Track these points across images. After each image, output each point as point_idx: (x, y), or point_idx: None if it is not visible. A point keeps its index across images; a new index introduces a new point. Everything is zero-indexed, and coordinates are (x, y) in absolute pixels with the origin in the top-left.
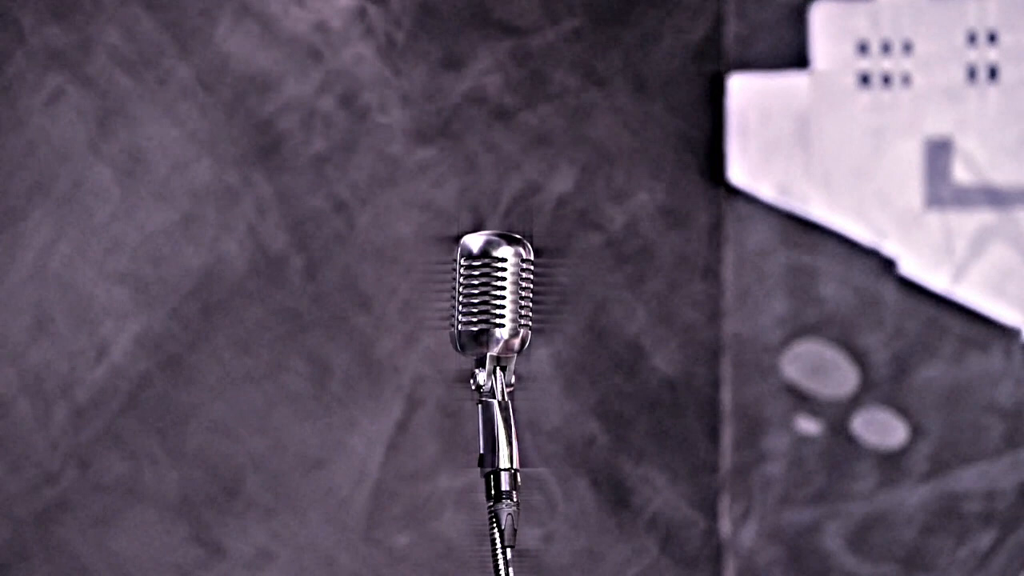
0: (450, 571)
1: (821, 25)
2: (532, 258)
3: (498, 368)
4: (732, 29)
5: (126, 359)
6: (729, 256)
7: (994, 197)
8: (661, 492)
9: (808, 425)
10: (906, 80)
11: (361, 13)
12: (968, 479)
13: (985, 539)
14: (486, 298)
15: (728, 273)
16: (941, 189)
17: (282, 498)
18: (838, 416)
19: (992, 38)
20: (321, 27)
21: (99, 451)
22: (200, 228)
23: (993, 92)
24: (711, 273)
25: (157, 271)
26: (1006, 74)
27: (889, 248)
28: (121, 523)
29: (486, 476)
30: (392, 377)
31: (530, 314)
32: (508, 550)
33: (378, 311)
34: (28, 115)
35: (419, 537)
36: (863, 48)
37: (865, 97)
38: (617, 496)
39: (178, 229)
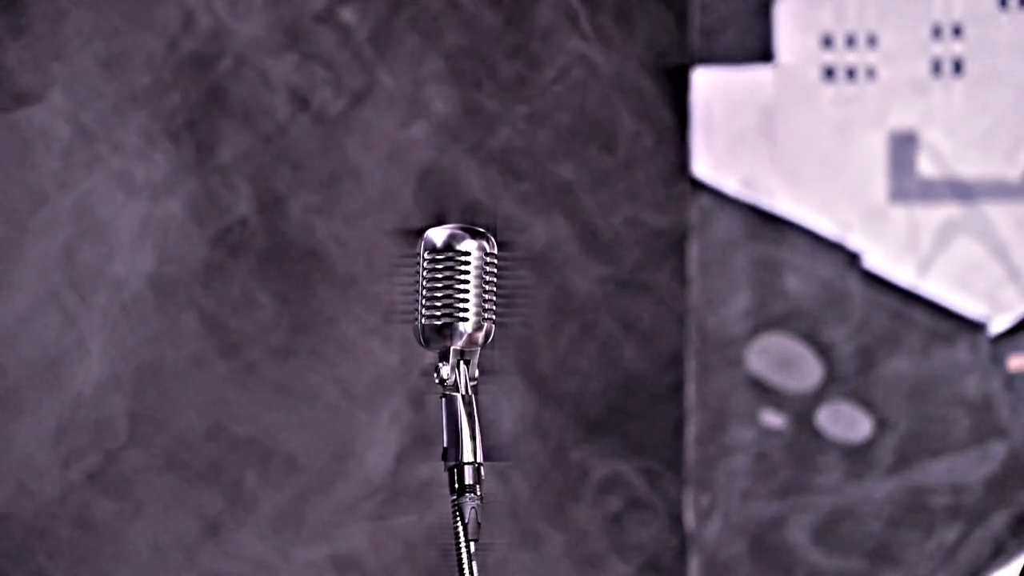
0: (415, 563)
1: (786, 19)
2: (496, 251)
3: (462, 362)
4: (697, 22)
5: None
6: (694, 249)
7: (959, 190)
8: (626, 486)
9: (773, 418)
10: (871, 73)
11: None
12: (934, 472)
13: (952, 532)
14: (449, 292)
15: (693, 267)
16: (906, 182)
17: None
18: (803, 409)
19: (957, 31)
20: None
21: None
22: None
23: (958, 86)
24: (676, 267)
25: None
26: (971, 67)
27: (854, 241)
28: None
29: (450, 470)
30: (358, 371)
31: (494, 308)
32: (472, 543)
33: (343, 303)
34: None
35: (383, 530)
36: (828, 41)
37: (830, 90)
38: (581, 490)
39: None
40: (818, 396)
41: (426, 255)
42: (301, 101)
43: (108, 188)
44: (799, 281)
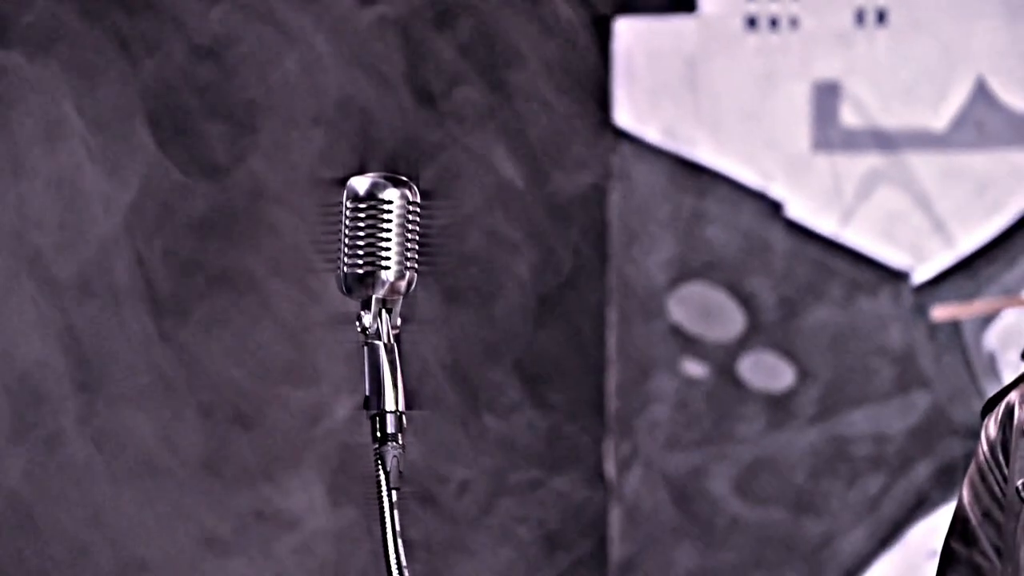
0: (337, 511)
1: None
2: (418, 200)
3: (384, 310)
4: None
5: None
6: (616, 199)
7: (882, 141)
8: (546, 436)
9: (695, 368)
10: (794, 23)
11: None
12: (857, 423)
13: (874, 483)
14: (372, 240)
15: (614, 216)
16: (829, 132)
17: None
18: (725, 359)
19: None
20: None
21: None
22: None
23: (882, 36)
24: (597, 216)
25: None
26: (894, 18)
27: (776, 191)
28: None
29: (372, 418)
30: (278, 320)
31: (416, 256)
32: (394, 492)
33: (266, 252)
34: None
35: (304, 479)
36: None
37: (753, 40)
38: (502, 440)
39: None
40: (740, 346)
41: (348, 203)
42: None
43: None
44: (721, 231)
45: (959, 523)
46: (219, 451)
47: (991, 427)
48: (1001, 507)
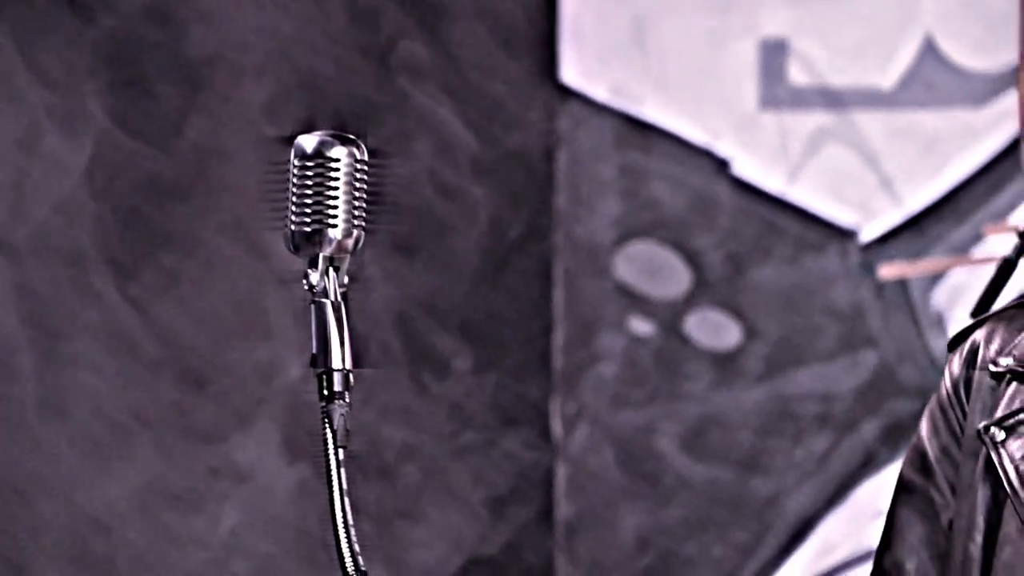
0: (292, 467)
1: None
2: (366, 159)
3: (331, 268)
4: None
5: None
6: (562, 157)
7: (830, 99)
8: (492, 394)
9: (641, 326)
10: None
11: None
12: (804, 381)
13: (821, 442)
14: (319, 198)
15: (561, 174)
16: (777, 90)
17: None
18: (671, 317)
19: None
20: None
21: None
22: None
23: None
24: (544, 174)
25: None
26: None
27: (723, 149)
28: None
29: (319, 376)
30: (228, 279)
31: (364, 215)
32: (341, 450)
33: (216, 211)
34: None
35: (259, 436)
36: None
37: None
38: (448, 399)
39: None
40: (686, 304)
41: (296, 162)
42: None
43: None
44: (668, 188)
45: (916, 454)
46: (173, 409)
47: (955, 364)
48: (959, 444)
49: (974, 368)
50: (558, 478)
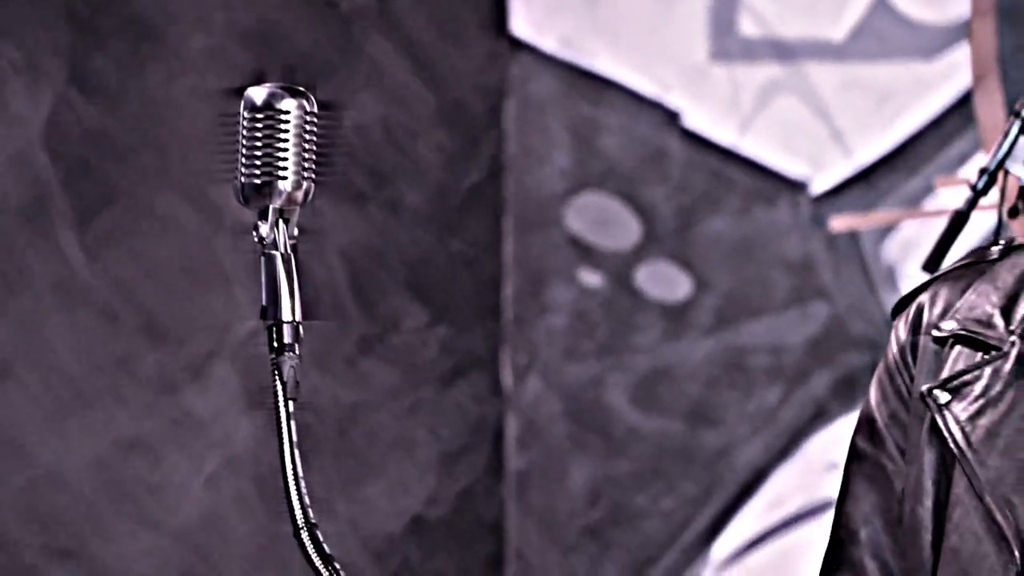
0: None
1: None
2: (316, 110)
3: (281, 220)
4: None
5: None
6: (512, 109)
7: (781, 50)
8: (442, 346)
9: (591, 278)
10: None
11: None
12: (755, 333)
13: (772, 394)
14: (269, 151)
15: (511, 126)
16: (727, 42)
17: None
18: (621, 269)
19: None
20: None
21: None
22: None
23: None
24: (494, 126)
25: None
26: None
27: (674, 101)
28: None
29: (268, 328)
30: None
31: (313, 166)
32: (291, 402)
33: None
34: None
35: (216, 387)
36: None
37: None
38: (398, 351)
39: None
40: (636, 255)
41: (246, 114)
42: None
43: None
44: (618, 140)
45: (865, 422)
46: (128, 361)
47: (901, 328)
48: (908, 410)
49: (919, 333)
50: (508, 430)
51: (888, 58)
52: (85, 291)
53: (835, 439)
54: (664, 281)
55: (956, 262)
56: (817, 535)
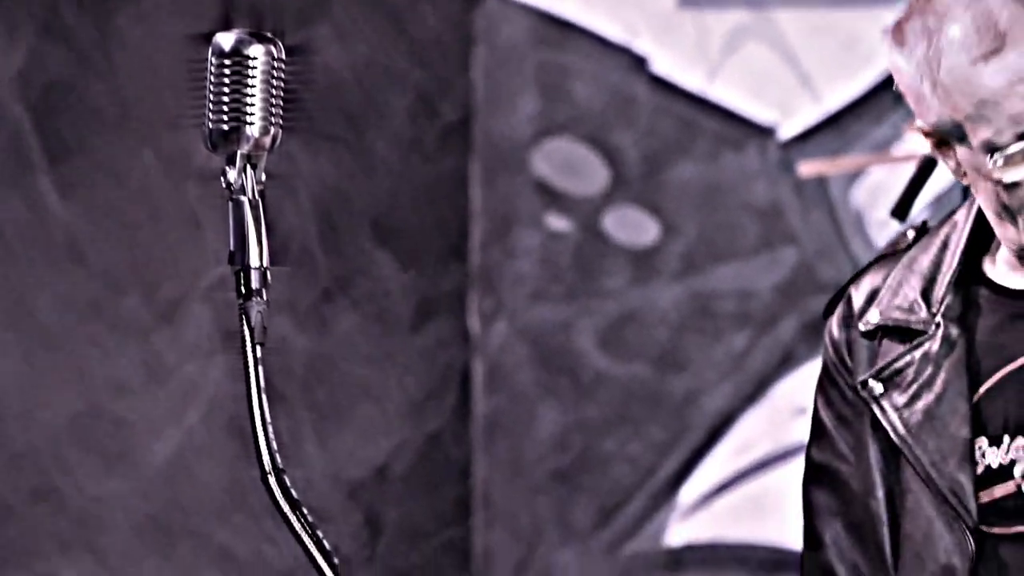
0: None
1: None
2: (283, 57)
3: (248, 166)
4: None
5: None
6: (480, 55)
7: None
8: (410, 290)
9: (559, 223)
10: None
11: None
12: (722, 278)
13: (740, 339)
14: (237, 96)
15: (479, 71)
16: None
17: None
18: (589, 214)
19: None
20: None
21: None
22: None
23: None
24: (462, 72)
25: None
26: None
27: (641, 46)
28: None
29: (236, 274)
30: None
31: (281, 112)
32: (258, 347)
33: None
34: None
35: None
36: None
37: None
38: (366, 295)
39: None
40: (605, 201)
41: (214, 60)
42: None
43: None
44: (585, 86)
45: (816, 430)
46: (99, 305)
47: (834, 327)
48: (853, 409)
49: (851, 328)
50: (475, 375)
51: (856, 4)
52: (58, 236)
53: (803, 384)
54: (632, 226)
55: (874, 258)
56: (784, 480)
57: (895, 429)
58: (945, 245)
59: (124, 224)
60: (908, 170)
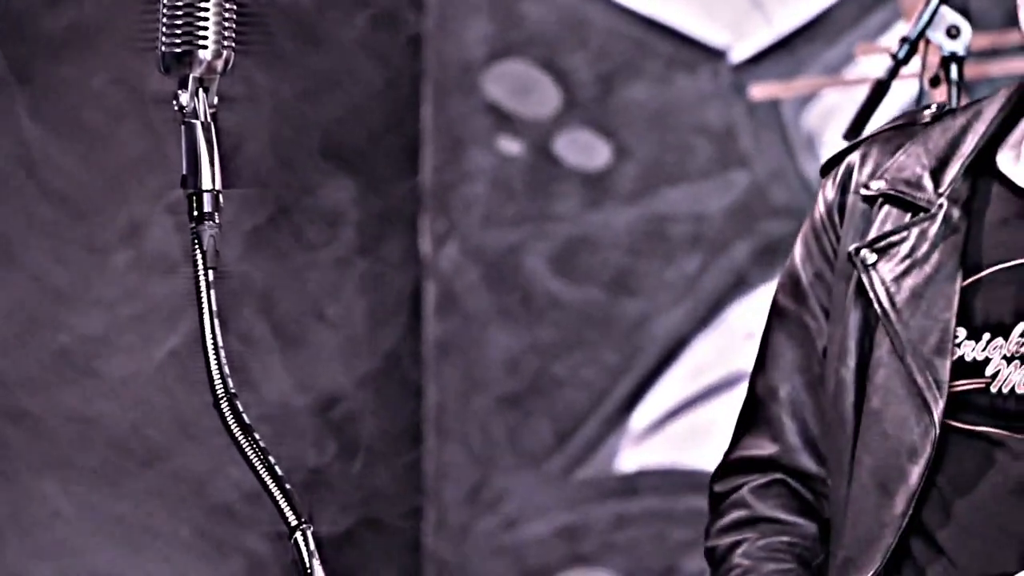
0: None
1: None
2: None
3: (201, 89)
4: None
5: None
6: None
7: None
8: (360, 212)
9: (511, 145)
10: None
11: None
12: (675, 201)
13: (693, 262)
14: (189, 19)
15: None
16: None
17: None
18: (541, 136)
19: None
20: None
21: None
22: None
23: None
24: None
25: None
26: None
27: None
28: None
29: (188, 197)
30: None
31: (234, 35)
32: (211, 271)
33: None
34: None
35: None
36: None
37: None
38: (317, 216)
39: None
40: (556, 123)
41: None
42: None
43: None
44: (537, 7)
45: (789, 280)
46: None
47: (829, 188)
48: (833, 269)
49: (848, 192)
50: (427, 298)
51: None
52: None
53: (755, 308)
54: (584, 149)
55: (887, 123)
56: (737, 405)
57: (879, 301)
58: (964, 131)
59: (84, 148)
60: (860, 93)
